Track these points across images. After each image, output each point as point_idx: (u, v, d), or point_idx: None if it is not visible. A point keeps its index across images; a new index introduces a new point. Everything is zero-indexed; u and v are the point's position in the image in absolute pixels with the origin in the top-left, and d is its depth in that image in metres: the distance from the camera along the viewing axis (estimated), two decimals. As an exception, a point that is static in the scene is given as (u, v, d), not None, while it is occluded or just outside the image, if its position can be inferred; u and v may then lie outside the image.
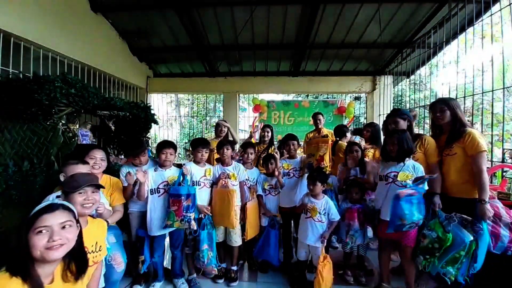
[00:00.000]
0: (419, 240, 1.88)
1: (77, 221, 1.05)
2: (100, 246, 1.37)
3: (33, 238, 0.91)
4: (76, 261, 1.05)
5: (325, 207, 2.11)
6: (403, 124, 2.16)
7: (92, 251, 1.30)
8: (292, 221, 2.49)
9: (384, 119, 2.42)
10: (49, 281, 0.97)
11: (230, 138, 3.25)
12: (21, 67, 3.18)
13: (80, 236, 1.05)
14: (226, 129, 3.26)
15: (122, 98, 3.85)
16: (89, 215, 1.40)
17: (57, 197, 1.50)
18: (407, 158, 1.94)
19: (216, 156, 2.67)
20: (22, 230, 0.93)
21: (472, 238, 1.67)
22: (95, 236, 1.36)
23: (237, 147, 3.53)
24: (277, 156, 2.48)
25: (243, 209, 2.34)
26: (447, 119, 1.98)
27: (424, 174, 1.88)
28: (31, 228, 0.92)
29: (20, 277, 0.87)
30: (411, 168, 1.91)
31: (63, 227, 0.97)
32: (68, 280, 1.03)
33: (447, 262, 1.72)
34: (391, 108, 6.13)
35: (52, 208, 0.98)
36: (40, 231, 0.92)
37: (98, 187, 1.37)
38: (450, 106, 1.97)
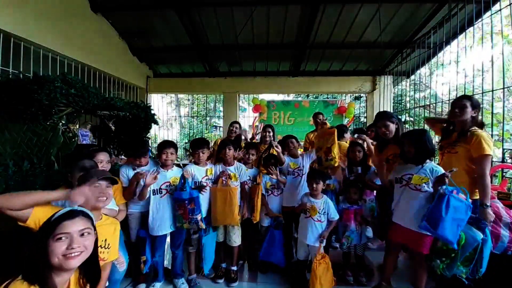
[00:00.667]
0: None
1: (94, 228, 1.04)
2: (109, 244, 1.37)
3: (53, 244, 0.90)
4: (90, 269, 1.04)
5: (324, 206, 2.11)
6: (393, 127, 2.11)
7: (100, 246, 1.30)
8: (293, 221, 2.48)
9: (373, 122, 2.34)
10: None
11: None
12: (21, 67, 3.18)
13: (95, 244, 1.04)
14: (237, 131, 3.30)
15: (122, 98, 3.84)
16: (104, 213, 1.41)
17: None
18: (427, 160, 1.81)
19: None
20: (42, 236, 0.91)
21: (482, 236, 1.63)
22: (105, 232, 1.36)
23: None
24: (279, 149, 2.40)
25: (243, 189, 2.35)
26: (465, 117, 1.87)
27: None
28: (51, 235, 0.91)
29: (38, 286, 0.86)
30: (429, 171, 1.77)
31: (82, 235, 0.97)
32: None
33: (462, 262, 1.67)
34: (391, 108, 6.14)
35: (72, 214, 0.97)
36: (60, 238, 0.91)
37: (113, 181, 1.39)
38: (473, 105, 1.87)
